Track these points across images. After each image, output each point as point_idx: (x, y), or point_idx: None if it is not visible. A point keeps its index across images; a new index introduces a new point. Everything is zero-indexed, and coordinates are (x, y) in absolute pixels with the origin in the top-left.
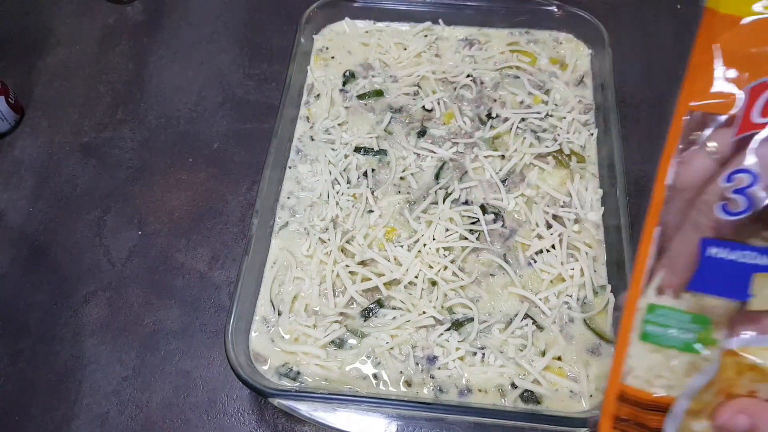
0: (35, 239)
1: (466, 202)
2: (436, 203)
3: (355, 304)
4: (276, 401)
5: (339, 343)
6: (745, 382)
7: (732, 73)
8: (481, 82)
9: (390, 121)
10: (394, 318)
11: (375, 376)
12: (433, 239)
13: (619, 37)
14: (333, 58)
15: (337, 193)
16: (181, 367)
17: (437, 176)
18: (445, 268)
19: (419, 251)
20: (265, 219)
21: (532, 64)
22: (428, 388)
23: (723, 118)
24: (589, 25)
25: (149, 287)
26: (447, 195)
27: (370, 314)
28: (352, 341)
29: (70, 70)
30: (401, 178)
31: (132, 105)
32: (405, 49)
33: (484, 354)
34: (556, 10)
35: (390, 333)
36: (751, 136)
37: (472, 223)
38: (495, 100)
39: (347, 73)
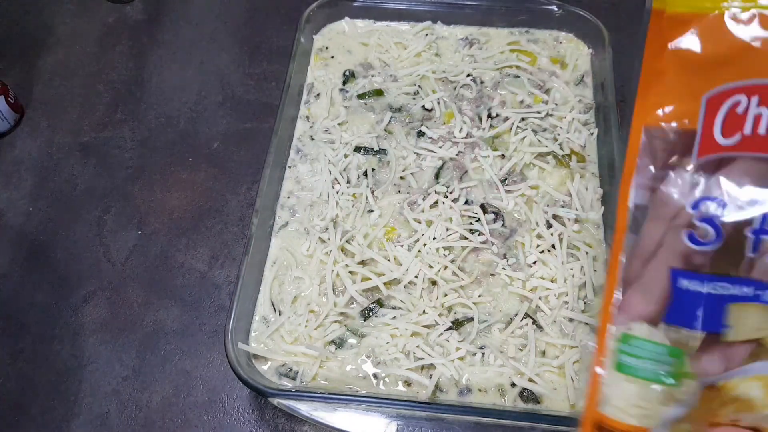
0: (35, 239)
1: (466, 202)
2: (436, 203)
3: (355, 303)
4: (276, 401)
5: (339, 343)
6: (728, 412)
7: (686, 81)
8: (481, 82)
9: (390, 121)
10: (394, 318)
11: (375, 375)
12: (433, 239)
13: (619, 37)
14: (333, 57)
15: (337, 192)
16: (181, 367)
17: (437, 176)
18: (445, 267)
19: (419, 251)
20: (265, 219)
21: (533, 63)
22: (428, 388)
23: (682, 133)
24: (590, 24)
25: (149, 287)
26: (447, 195)
27: (370, 314)
28: (352, 341)
29: (70, 70)
30: (401, 178)
31: (132, 104)
32: (405, 49)
33: (484, 354)
34: (556, 9)
35: (390, 333)
36: (718, 160)
37: (471, 223)
38: (495, 100)
39: (347, 73)
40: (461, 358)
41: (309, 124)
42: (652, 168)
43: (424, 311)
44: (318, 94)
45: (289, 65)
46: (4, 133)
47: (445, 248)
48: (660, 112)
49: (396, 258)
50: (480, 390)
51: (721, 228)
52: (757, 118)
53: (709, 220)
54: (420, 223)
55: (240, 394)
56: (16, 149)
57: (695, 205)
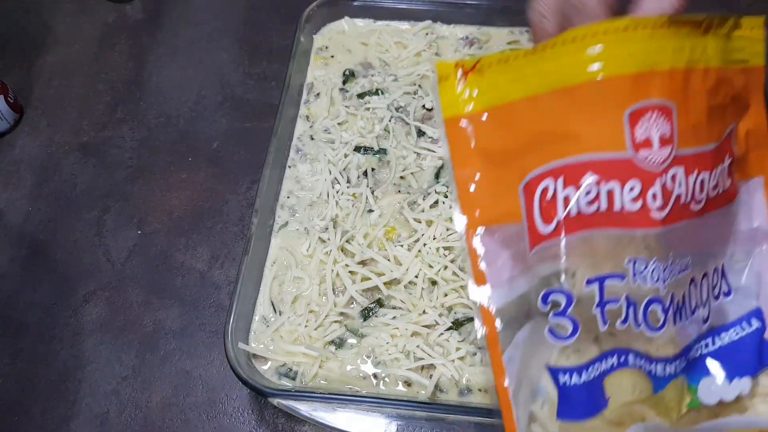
0: (34, 239)
1: None
2: (437, 203)
3: (355, 303)
4: (276, 401)
5: (339, 343)
6: None
7: (499, 176)
8: None
9: (390, 121)
10: (394, 318)
11: (375, 375)
12: (434, 239)
13: None
14: (333, 57)
15: (337, 192)
16: (181, 367)
17: (437, 175)
18: (446, 267)
19: (419, 251)
20: (265, 218)
21: None
22: (428, 389)
23: (514, 227)
24: None
25: (149, 287)
26: (447, 194)
27: (370, 314)
28: (352, 341)
29: (70, 69)
30: (401, 178)
31: (131, 104)
32: (405, 48)
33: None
34: None
35: (390, 333)
36: (549, 248)
37: None
38: None
39: (347, 72)
40: (461, 358)
41: (309, 123)
42: (502, 266)
43: (424, 311)
44: (318, 94)
45: (288, 65)
46: (4, 132)
47: (445, 248)
48: (486, 213)
49: (396, 258)
50: (480, 390)
51: (576, 320)
52: (566, 200)
53: (562, 314)
54: (420, 222)
55: (240, 394)
56: (15, 149)
57: (545, 300)
